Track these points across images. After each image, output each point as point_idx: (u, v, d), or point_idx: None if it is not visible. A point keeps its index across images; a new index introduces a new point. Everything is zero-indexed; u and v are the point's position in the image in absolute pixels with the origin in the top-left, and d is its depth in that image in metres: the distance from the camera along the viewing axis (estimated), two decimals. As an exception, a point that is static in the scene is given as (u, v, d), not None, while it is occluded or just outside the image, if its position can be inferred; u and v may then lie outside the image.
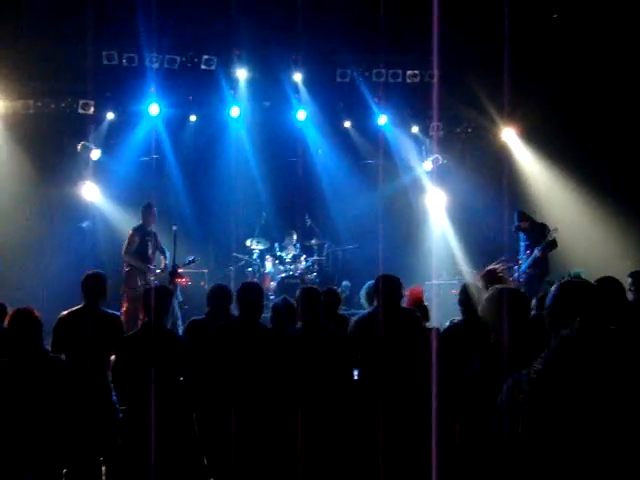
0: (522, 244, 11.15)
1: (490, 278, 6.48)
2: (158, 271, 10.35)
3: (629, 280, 5.91)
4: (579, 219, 12.31)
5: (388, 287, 5.93)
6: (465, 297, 6.04)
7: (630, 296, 6.41)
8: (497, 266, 7.04)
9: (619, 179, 11.94)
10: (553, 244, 10.87)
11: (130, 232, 10.35)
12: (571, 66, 11.84)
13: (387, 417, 5.35)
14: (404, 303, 6.60)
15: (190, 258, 10.73)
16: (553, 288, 2.98)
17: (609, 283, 5.18)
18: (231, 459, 5.19)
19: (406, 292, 6.85)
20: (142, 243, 10.24)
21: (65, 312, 5.88)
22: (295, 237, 13.66)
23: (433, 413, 4.70)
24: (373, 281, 6.27)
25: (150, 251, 10.33)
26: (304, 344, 5.29)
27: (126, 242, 10.26)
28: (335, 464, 5.29)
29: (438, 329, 6.17)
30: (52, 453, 4.71)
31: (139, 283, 9.86)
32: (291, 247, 13.54)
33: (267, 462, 5.18)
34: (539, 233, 10.94)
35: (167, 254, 10.53)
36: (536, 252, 10.82)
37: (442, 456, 4.39)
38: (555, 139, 12.52)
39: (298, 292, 5.72)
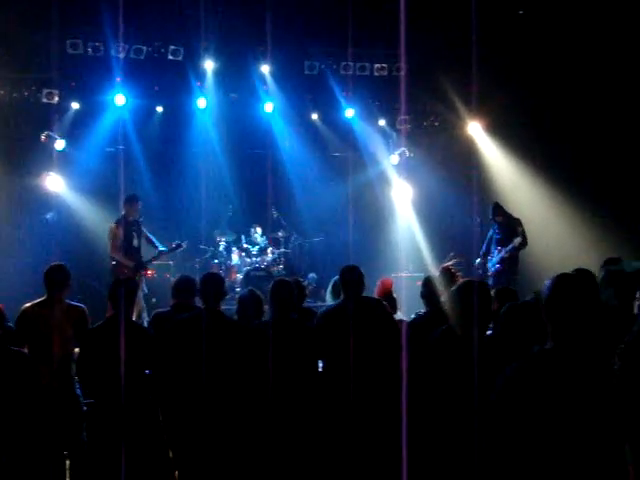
0: (494, 237, 11.17)
1: (446, 275, 6.60)
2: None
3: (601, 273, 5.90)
4: (545, 212, 12.42)
5: (352, 277, 5.94)
6: (428, 290, 6.09)
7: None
8: (449, 263, 7.15)
9: (584, 172, 12.07)
10: (520, 246, 10.86)
11: (112, 227, 10.05)
12: (537, 61, 11.94)
13: (355, 408, 5.37)
14: (373, 294, 6.65)
15: (176, 242, 10.55)
16: (548, 281, 3.04)
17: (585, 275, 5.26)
18: (197, 452, 5.18)
19: (377, 283, 6.91)
20: (127, 236, 9.99)
21: (28, 304, 5.81)
22: (260, 230, 13.65)
23: (403, 404, 4.73)
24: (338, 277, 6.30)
25: (135, 242, 10.13)
26: (272, 337, 5.27)
27: (110, 239, 10.01)
28: (303, 455, 5.29)
29: (406, 321, 6.21)
30: (15, 447, 4.66)
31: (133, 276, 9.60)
32: (258, 239, 13.53)
33: (233, 455, 5.18)
34: (510, 229, 10.96)
35: (154, 240, 10.41)
36: (503, 253, 10.87)
37: (411, 447, 4.43)
38: (521, 133, 12.63)
39: (271, 284, 5.70)
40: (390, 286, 6.96)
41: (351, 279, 5.91)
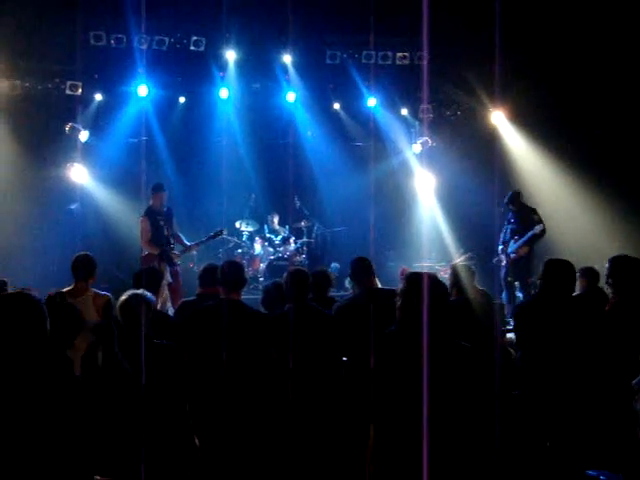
0: (508, 227, 11.14)
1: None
2: (177, 252, 9.95)
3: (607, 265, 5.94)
4: (568, 202, 12.34)
5: (360, 268, 5.99)
6: (455, 279, 6.11)
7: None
8: (460, 259, 7.17)
9: (609, 162, 11.96)
10: (541, 234, 10.81)
11: (140, 220, 9.96)
12: (562, 49, 11.83)
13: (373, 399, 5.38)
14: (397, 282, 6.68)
15: (216, 231, 10.28)
16: None
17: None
18: (222, 439, 5.22)
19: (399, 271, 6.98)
20: (155, 227, 9.83)
21: (51, 292, 5.87)
22: (277, 219, 13.68)
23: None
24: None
25: (165, 231, 9.89)
26: (292, 325, 5.29)
27: (140, 232, 9.92)
28: (325, 449, 5.31)
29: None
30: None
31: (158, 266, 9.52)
32: (279, 228, 13.55)
33: (257, 442, 5.20)
34: (527, 218, 10.91)
35: (181, 236, 10.18)
36: (521, 242, 10.80)
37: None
38: (545, 122, 12.53)
39: (285, 274, 5.72)
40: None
41: (359, 270, 5.96)
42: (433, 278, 4.02)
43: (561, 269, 5.24)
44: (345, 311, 5.79)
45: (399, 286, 4.22)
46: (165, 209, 10.07)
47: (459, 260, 9.54)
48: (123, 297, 4.80)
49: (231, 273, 5.55)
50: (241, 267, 5.86)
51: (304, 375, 5.26)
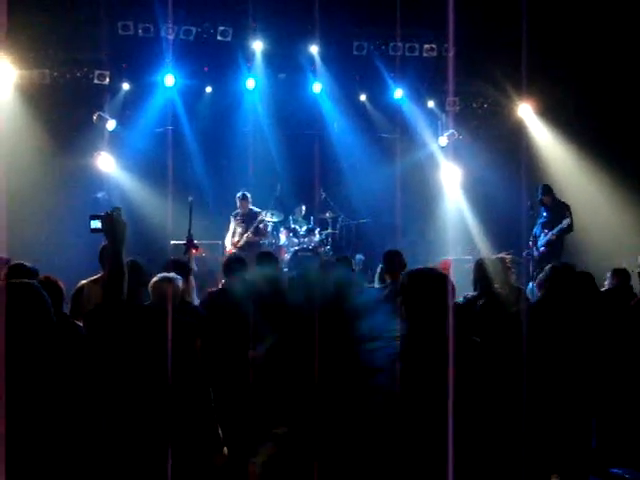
0: (540, 220, 11.08)
1: (501, 264, 6.61)
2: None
3: None
4: (595, 197, 12.24)
5: (392, 262, 6.02)
6: (481, 273, 6.07)
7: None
8: (507, 256, 7.16)
9: (635, 156, 11.85)
10: (569, 229, 10.81)
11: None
12: (589, 41, 11.72)
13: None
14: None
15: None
16: None
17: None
18: (245, 430, 5.23)
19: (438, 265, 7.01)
20: (235, 226, 11.97)
21: (85, 281, 5.93)
22: (304, 210, 13.68)
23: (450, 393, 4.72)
24: None
25: (239, 230, 11.94)
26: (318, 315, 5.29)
27: None
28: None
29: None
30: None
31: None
32: (300, 219, 13.56)
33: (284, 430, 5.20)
34: (558, 213, 10.87)
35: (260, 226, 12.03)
36: (550, 235, 10.78)
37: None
38: (572, 115, 12.44)
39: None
40: (447, 268, 7.00)
41: (392, 263, 5.98)
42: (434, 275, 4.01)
43: (563, 274, 5.26)
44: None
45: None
46: (247, 212, 12.02)
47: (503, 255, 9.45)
48: (154, 279, 5.01)
49: (267, 264, 5.61)
50: (275, 259, 5.97)
51: (328, 365, 5.25)
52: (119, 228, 3.89)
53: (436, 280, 3.62)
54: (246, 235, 11.86)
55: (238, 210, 12.07)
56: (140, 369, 4.35)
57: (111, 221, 3.85)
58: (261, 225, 12.21)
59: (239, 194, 12.02)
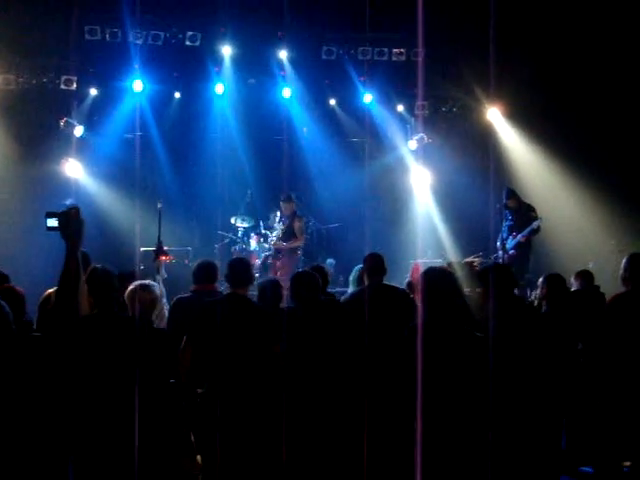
0: (506, 224, 11.17)
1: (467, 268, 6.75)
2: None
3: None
4: (563, 198, 12.36)
5: (375, 265, 6.03)
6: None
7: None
8: (475, 260, 7.30)
9: (603, 158, 11.98)
10: (537, 231, 10.93)
11: None
12: (557, 46, 11.84)
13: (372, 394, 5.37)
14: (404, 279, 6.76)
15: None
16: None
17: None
18: (219, 436, 5.19)
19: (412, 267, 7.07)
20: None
21: (52, 290, 5.84)
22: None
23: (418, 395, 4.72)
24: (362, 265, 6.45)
25: (276, 232, 12.46)
26: (306, 321, 5.30)
27: None
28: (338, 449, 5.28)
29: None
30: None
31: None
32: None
33: (258, 441, 5.16)
34: (525, 215, 10.97)
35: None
36: (519, 238, 10.87)
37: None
38: (540, 119, 12.55)
39: (294, 276, 5.77)
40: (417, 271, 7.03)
41: (375, 266, 5.99)
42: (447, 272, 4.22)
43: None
44: (355, 306, 5.85)
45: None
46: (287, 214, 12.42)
47: (471, 259, 9.59)
48: (130, 287, 5.09)
49: (240, 269, 5.58)
50: (249, 264, 5.95)
51: (321, 370, 5.25)
52: (76, 226, 3.77)
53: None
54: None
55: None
56: (98, 376, 4.29)
57: (68, 219, 3.72)
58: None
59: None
